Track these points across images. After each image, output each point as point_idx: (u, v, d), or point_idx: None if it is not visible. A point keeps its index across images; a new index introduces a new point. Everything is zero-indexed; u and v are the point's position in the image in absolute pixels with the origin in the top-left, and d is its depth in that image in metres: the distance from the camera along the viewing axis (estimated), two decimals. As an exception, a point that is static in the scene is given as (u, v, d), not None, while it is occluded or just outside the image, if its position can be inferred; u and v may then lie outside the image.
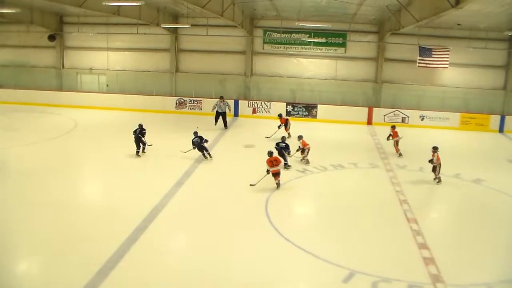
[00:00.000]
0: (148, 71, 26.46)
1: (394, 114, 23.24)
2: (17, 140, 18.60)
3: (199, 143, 15.55)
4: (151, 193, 12.65)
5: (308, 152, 15.87)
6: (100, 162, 16.15)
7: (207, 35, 23.92)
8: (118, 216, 11.29)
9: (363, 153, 17.69)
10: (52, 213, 11.28)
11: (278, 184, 13.13)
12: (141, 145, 15.98)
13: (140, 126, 16.10)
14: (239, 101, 24.46)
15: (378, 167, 16.06)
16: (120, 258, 9.20)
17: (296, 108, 24.01)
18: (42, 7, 25.07)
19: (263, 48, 25.18)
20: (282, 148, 15.27)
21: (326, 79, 24.83)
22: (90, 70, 27.22)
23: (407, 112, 23.27)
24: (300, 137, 15.96)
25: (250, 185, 13.04)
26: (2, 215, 11.04)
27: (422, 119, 23.14)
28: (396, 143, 17.35)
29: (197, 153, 15.98)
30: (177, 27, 25.15)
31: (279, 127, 19.47)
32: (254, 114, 24.06)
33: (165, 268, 8.99)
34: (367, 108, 23.56)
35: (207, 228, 10.82)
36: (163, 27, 24.03)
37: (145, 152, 16.31)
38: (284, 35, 24.50)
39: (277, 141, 15.76)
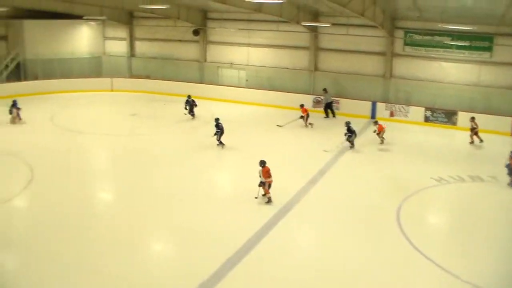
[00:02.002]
0: (287, 68, 30.75)
1: (544, 126, 24.13)
2: (159, 128, 24.21)
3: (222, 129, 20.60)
4: (284, 189, 15.24)
5: (383, 133, 21.55)
6: (235, 154, 20.05)
7: (347, 34, 27.44)
8: (249, 209, 14.05)
9: (504, 166, 17.85)
10: (186, 202, 14.66)
11: (270, 199, 14.53)
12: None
13: (189, 96, 25.05)
14: (377, 103, 27.53)
15: (520, 182, 16.70)
16: (247, 252, 11.40)
17: (435, 113, 26.30)
18: (189, 4, 30.53)
19: (404, 50, 27.74)
20: (353, 132, 20.50)
21: (467, 85, 26.41)
22: (231, 65, 32.29)
23: (560, 125, 24.03)
24: (376, 122, 21.87)
25: (256, 198, 14.72)
26: (141, 201, 14.68)
27: None
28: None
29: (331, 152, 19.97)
30: (317, 26, 28.93)
31: (301, 117, 24.34)
32: (391, 117, 26.90)
33: (290, 267, 10.66)
34: (512, 118, 24.58)
35: (336, 231, 12.98)
36: (303, 25, 27.88)
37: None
38: (426, 37, 26.81)
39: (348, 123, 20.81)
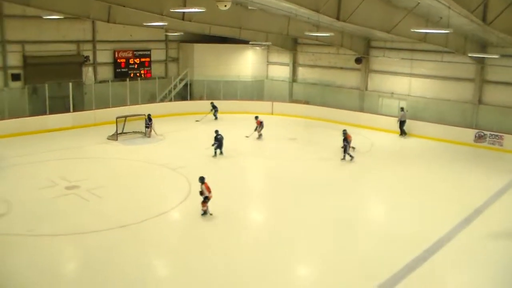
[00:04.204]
0: (449, 100, 33.82)
1: None
2: (314, 153, 27.96)
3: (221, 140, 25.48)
4: (436, 224, 17.23)
5: (351, 142, 25.90)
6: (388, 185, 22.74)
7: (516, 66, 29.96)
8: (399, 241, 15.76)
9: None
10: (335, 226, 17.12)
11: (205, 212, 17.52)
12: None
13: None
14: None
15: None
16: (393, 285, 12.86)
17: None
18: (352, 32, 34.96)
19: None
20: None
21: None
22: (392, 94, 36.34)
23: None
24: (344, 132, 25.88)
25: (210, 214, 17.76)
26: (291, 226, 17.22)
27: None
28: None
29: (490, 189, 21.90)
30: (484, 57, 31.60)
31: (255, 129, 29.96)
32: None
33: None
34: None
35: (487, 275, 14.10)
36: (469, 56, 30.76)
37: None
38: None
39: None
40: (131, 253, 15.19)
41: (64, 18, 33.09)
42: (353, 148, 26.57)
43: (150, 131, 30.97)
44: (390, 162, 26.52)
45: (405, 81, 35.99)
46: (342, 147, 25.96)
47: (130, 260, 14.76)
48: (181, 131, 31.89)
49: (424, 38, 27.63)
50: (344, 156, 25.88)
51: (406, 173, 24.69)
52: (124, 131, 30.63)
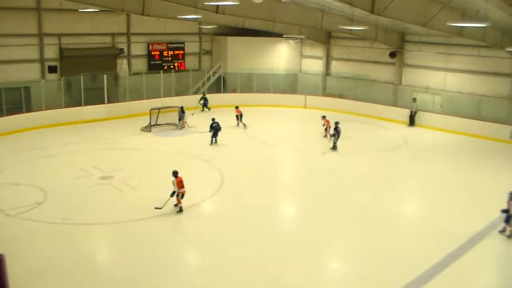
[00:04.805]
0: (485, 95, 33.39)
1: None
2: (347, 147, 27.63)
3: (217, 128, 26.57)
4: (470, 222, 17.26)
5: (329, 129, 27.63)
6: (421, 180, 22.87)
7: (554, 60, 29.56)
8: (433, 237, 15.87)
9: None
10: (368, 220, 17.24)
11: (181, 209, 17.31)
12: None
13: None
14: None
15: None
16: (426, 281, 13.00)
17: None
18: (387, 25, 34.82)
19: None
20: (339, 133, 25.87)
21: None
22: (426, 89, 36.05)
23: None
24: (323, 117, 28.33)
25: (156, 208, 17.36)
26: (328, 217, 17.65)
27: None
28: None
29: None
30: None
31: (237, 117, 31.04)
32: None
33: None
34: None
35: None
36: (507, 51, 30.43)
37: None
38: None
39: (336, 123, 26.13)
40: (165, 243, 15.62)
41: (99, 11, 33.84)
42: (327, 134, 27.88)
43: (183, 123, 31.25)
44: (424, 157, 26.36)
45: (440, 75, 35.55)
46: (331, 136, 26.65)
47: (164, 249, 15.15)
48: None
49: (461, 32, 27.35)
50: (334, 145, 26.46)
51: (440, 169, 24.45)
52: (157, 123, 31.19)
